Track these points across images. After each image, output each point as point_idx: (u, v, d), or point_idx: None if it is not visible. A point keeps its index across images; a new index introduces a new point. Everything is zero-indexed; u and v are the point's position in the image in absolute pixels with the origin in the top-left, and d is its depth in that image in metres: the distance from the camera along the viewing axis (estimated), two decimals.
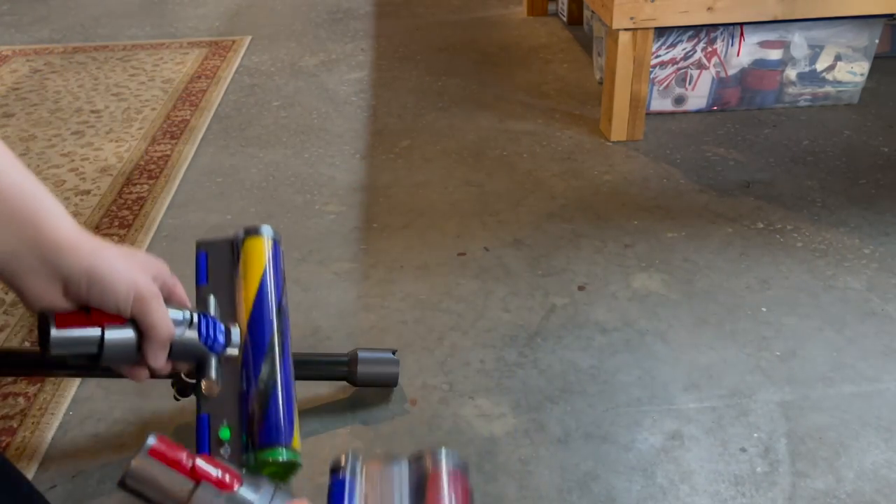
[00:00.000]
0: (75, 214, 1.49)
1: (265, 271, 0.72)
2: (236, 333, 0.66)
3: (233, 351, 0.65)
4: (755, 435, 0.94)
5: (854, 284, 1.21)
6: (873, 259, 1.27)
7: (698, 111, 1.84)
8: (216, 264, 0.72)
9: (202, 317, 0.62)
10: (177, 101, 2.02)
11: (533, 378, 1.04)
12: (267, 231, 0.75)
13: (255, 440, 0.65)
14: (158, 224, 1.46)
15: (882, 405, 0.98)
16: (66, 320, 0.53)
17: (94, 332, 0.53)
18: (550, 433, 0.96)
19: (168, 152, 1.74)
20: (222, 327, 0.65)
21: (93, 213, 1.49)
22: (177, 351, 0.59)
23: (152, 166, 1.68)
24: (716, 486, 0.88)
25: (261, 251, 0.74)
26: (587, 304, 1.19)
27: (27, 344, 1.15)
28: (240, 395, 0.66)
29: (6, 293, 1.27)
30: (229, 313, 0.69)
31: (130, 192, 1.57)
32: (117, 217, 1.48)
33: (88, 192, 1.58)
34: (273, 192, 1.57)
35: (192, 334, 0.60)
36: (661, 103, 1.83)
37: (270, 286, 0.72)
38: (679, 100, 1.83)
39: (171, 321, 0.57)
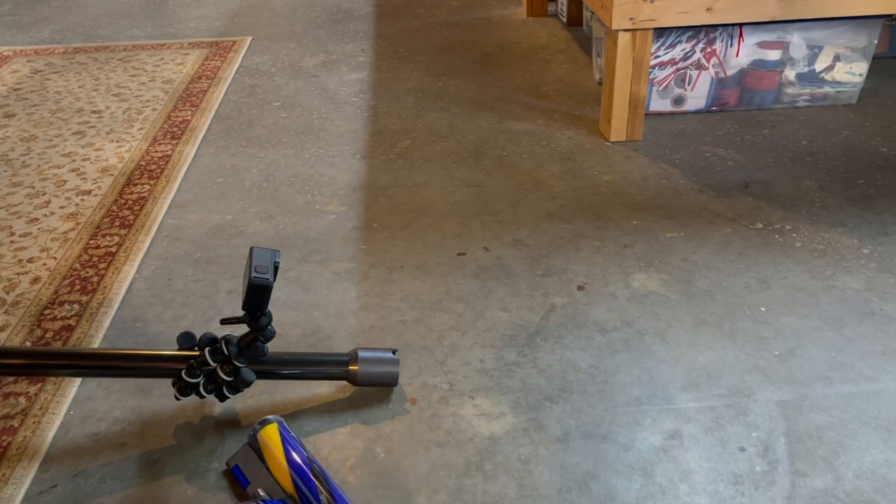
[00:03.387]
0: (76, 214, 1.50)
1: (286, 450, 0.87)
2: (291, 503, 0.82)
3: None
4: (754, 434, 0.95)
5: (853, 284, 1.21)
6: (872, 259, 1.27)
7: (697, 112, 1.85)
8: (248, 466, 0.89)
9: None
10: (177, 102, 2.03)
11: (532, 378, 1.05)
12: (273, 418, 0.91)
13: None
14: (159, 224, 1.46)
15: (881, 405, 0.98)
16: None
17: None
18: (550, 433, 0.96)
19: (169, 152, 1.75)
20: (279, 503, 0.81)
21: (94, 213, 1.50)
22: None
23: (153, 166, 1.68)
24: (715, 486, 0.88)
25: (273, 437, 0.89)
26: (586, 304, 1.19)
27: (28, 343, 1.15)
28: None
29: (6, 293, 1.27)
30: (280, 495, 0.85)
31: (131, 193, 1.58)
32: (118, 217, 1.48)
33: (89, 192, 1.58)
34: (273, 192, 1.57)
35: None
36: (660, 104, 1.83)
37: (296, 459, 0.87)
38: (678, 100, 1.83)
39: None
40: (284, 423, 0.91)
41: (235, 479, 0.89)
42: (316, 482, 0.84)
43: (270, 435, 0.89)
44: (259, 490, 0.84)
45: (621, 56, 1.62)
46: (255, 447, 0.89)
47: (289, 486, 0.85)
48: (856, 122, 1.77)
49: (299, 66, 2.29)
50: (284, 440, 0.89)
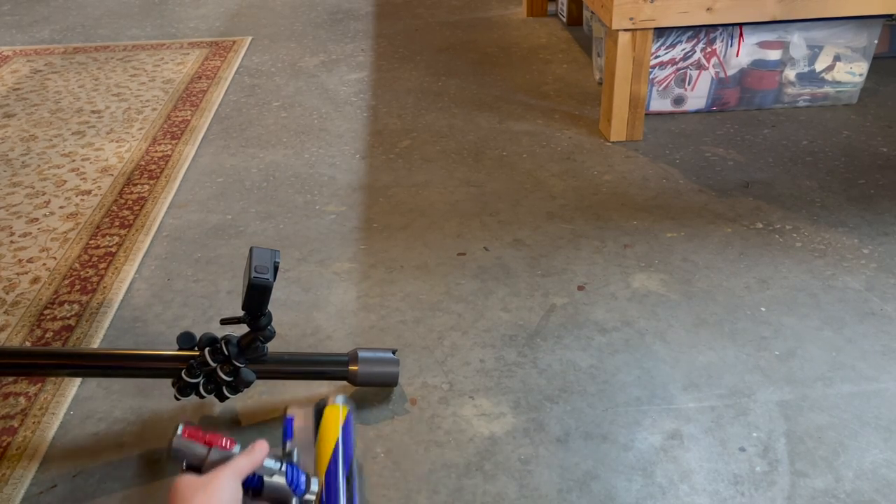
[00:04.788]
0: (76, 214, 1.50)
1: (338, 438, 0.86)
2: (315, 483, 0.79)
3: (310, 497, 0.77)
4: (754, 434, 0.95)
5: (853, 284, 1.21)
6: (872, 259, 1.27)
7: (697, 111, 1.85)
8: (300, 425, 0.88)
9: (290, 466, 0.77)
10: (177, 102, 2.03)
11: (532, 378, 1.05)
12: (341, 400, 0.90)
13: None
14: (159, 224, 1.46)
15: (881, 405, 0.98)
16: (188, 433, 0.74)
17: (202, 449, 0.74)
18: (550, 433, 0.96)
19: (169, 152, 1.74)
20: (304, 476, 0.78)
21: (94, 213, 1.50)
22: (267, 491, 0.74)
23: (153, 166, 1.68)
24: (715, 486, 0.88)
25: (336, 419, 0.88)
26: (587, 304, 1.19)
27: (27, 343, 1.15)
28: None
29: (6, 293, 1.27)
30: (309, 466, 0.83)
31: (131, 192, 1.57)
32: (118, 217, 1.48)
33: (89, 192, 1.58)
34: (273, 192, 1.57)
35: (280, 479, 0.75)
36: (660, 104, 1.83)
37: (341, 450, 0.85)
38: (678, 100, 1.83)
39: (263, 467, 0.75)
40: (353, 415, 0.90)
41: (284, 427, 0.88)
42: (343, 486, 0.83)
43: (336, 415, 0.87)
44: (294, 451, 0.82)
45: (621, 56, 1.62)
46: (317, 415, 0.88)
47: (321, 470, 0.83)
48: (856, 122, 1.77)
49: (299, 66, 2.29)
50: (345, 430, 0.87)
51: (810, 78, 1.81)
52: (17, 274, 1.32)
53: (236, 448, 0.75)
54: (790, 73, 1.80)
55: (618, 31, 1.59)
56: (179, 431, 0.74)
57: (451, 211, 1.47)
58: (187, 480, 0.69)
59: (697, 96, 1.82)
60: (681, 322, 1.14)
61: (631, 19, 1.57)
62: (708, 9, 1.57)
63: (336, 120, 1.90)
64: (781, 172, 1.56)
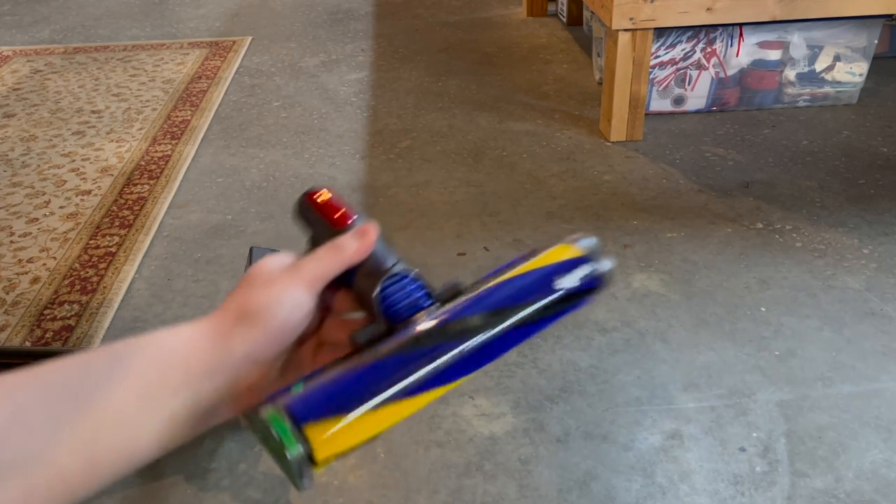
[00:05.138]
0: (76, 214, 1.50)
1: (535, 269, 0.57)
2: (435, 314, 0.53)
3: (413, 329, 0.53)
4: (754, 434, 0.95)
5: (853, 284, 1.21)
6: (872, 259, 1.27)
7: (697, 111, 1.85)
8: (516, 268, 0.59)
9: (408, 281, 0.54)
10: (177, 102, 2.03)
11: (532, 378, 1.05)
12: (584, 243, 0.60)
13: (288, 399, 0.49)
14: (159, 224, 1.46)
15: (881, 405, 0.98)
16: (315, 198, 0.59)
17: (312, 214, 0.59)
18: (550, 433, 0.96)
19: (169, 152, 1.75)
20: (422, 304, 0.54)
21: (94, 213, 1.50)
22: (356, 288, 0.54)
23: (153, 166, 1.68)
24: (715, 486, 0.88)
25: (554, 255, 0.58)
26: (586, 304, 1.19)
27: (27, 343, 1.15)
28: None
29: (6, 293, 1.27)
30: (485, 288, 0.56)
31: (131, 193, 1.57)
32: (118, 217, 1.48)
33: (89, 192, 1.58)
34: (273, 192, 1.57)
35: (376, 287, 0.53)
36: (660, 104, 1.83)
37: (522, 281, 0.56)
38: (678, 100, 1.83)
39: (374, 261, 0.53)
40: (594, 268, 0.58)
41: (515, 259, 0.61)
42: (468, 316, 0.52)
43: (559, 253, 0.57)
44: (464, 282, 0.55)
45: (621, 56, 1.62)
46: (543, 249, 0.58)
47: (482, 287, 0.54)
48: (856, 122, 1.77)
49: (299, 66, 2.29)
50: (557, 267, 0.56)
51: (810, 78, 1.81)
52: (17, 274, 1.32)
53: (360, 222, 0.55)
54: (790, 73, 1.80)
55: (618, 31, 1.59)
56: (306, 192, 0.58)
57: (450, 211, 1.47)
58: (264, 266, 0.53)
59: (697, 96, 1.82)
60: (681, 322, 1.14)
61: (631, 19, 1.57)
62: (708, 9, 1.57)
63: (336, 120, 1.90)
64: (781, 172, 1.56)
